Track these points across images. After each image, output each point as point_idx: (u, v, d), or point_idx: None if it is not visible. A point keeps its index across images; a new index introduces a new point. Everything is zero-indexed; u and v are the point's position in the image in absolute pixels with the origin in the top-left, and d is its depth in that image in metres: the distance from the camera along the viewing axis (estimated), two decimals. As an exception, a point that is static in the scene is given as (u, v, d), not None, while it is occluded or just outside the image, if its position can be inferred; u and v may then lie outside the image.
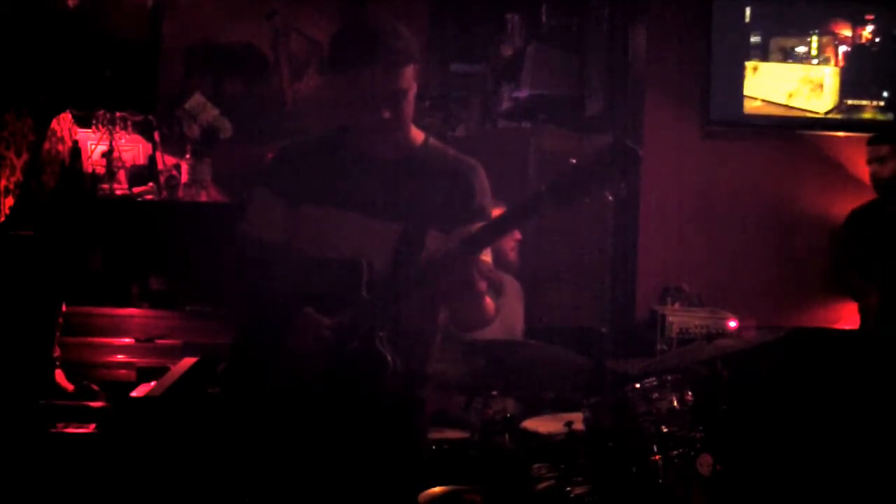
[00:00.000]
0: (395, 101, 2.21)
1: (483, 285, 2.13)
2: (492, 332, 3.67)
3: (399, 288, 2.15)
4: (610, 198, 2.01)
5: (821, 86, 4.80)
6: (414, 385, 2.33)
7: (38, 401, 3.69)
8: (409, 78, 2.23)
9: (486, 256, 2.30)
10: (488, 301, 2.28)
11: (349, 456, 2.24)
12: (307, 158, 2.35)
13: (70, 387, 3.88)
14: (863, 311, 4.55)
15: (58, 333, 3.98)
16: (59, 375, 3.90)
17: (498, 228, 2.19)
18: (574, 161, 2.00)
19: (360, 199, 2.28)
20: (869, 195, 4.77)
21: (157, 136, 4.75)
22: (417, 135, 2.38)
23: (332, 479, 2.24)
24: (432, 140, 2.40)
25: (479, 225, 2.21)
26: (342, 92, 2.22)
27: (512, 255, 3.90)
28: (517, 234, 3.97)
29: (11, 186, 3.89)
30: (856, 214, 4.61)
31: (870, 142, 4.56)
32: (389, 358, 2.11)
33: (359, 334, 2.12)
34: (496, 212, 3.77)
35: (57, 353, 3.97)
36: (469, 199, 2.33)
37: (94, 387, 3.87)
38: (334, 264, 2.20)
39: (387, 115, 2.21)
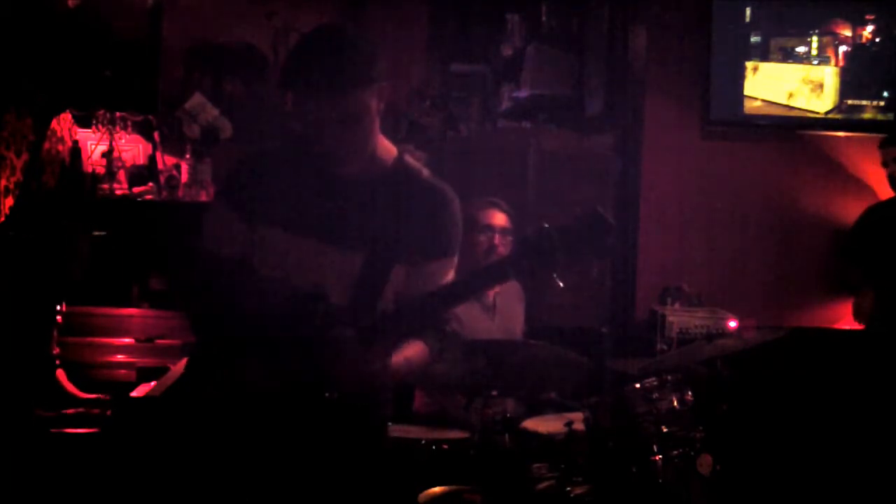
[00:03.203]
0: (344, 125, 2.07)
1: (376, 365, 2.04)
2: (492, 333, 3.69)
3: (356, 330, 2.03)
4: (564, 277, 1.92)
5: (821, 86, 4.80)
6: (366, 434, 2.24)
7: (38, 400, 3.69)
8: (365, 101, 2.07)
9: None
10: (413, 353, 2.17)
11: (325, 467, 2.17)
12: (266, 172, 2.19)
13: (77, 392, 3.87)
14: (857, 307, 4.53)
15: (56, 333, 3.98)
16: (62, 376, 3.89)
17: (461, 292, 2.11)
18: (546, 226, 1.89)
19: (322, 222, 2.13)
20: (869, 195, 4.77)
21: (157, 136, 4.75)
22: (389, 152, 2.21)
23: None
24: (407, 158, 2.23)
25: (443, 281, 2.12)
26: (294, 110, 2.13)
27: (501, 250, 3.88)
28: (508, 238, 3.91)
29: (11, 186, 3.90)
30: (873, 211, 4.56)
31: (882, 144, 4.48)
32: (336, 396, 2.03)
33: (305, 374, 2.04)
34: (499, 216, 3.76)
35: (56, 351, 3.97)
36: (439, 232, 2.19)
37: (106, 397, 3.86)
38: (289, 294, 2.07)
39: (337, 138, 2.08)
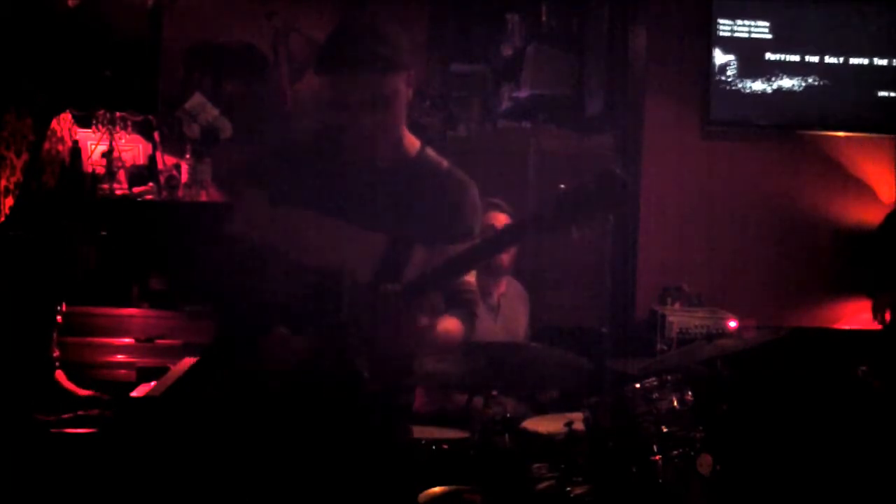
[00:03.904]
0: (376, 108, 2.16)
1: (432, 321, 2.08)
2: (494, 335, 3.69)
3: (379, 305, 2.08)
4: (589, 230, 1.96)
5: (822, 85, 4.80)
6: (391, 405, 2.28)
7: (38, 403, 3.68)
8: (396, 85, 2.18)
9: (470, 276, 2.28)
10: (452, 325, 2.22)
11: (326, 466, 2.20)
12: (296, 159, 2.29)
13: (77, 389, 3.86)
14: (877, 310, 4.50)
15: (56, 333, 3.97)
16: (61, 376, 3.88)
17: (478, 254, 2.16)
18: (563, 186, 1.96)
19: (347, 205, 2.22)
20: (869, 195, 4.77)
21: (157, 136, 4.75)
22: (412, 143, 2.32)
23: (316, 483, 2.21)
24: (429, 150, 2.33)
25: (461, 247, 2.17)
26: (329, 94, 2.19)
27: (506, 262, 3.89)
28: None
29: (11, 186, 3.90)
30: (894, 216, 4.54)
31: None
32: (365, 375, 2.07)
33: (335, 351, 2.08)
34: (500, 218, 3.77)
35: (56, 353, 3.96)
36: (458, 218, 2.27)
37: (105, 396, 3.84)
38: (316, 273, 2.14)
39: (369, 121, 2.17)
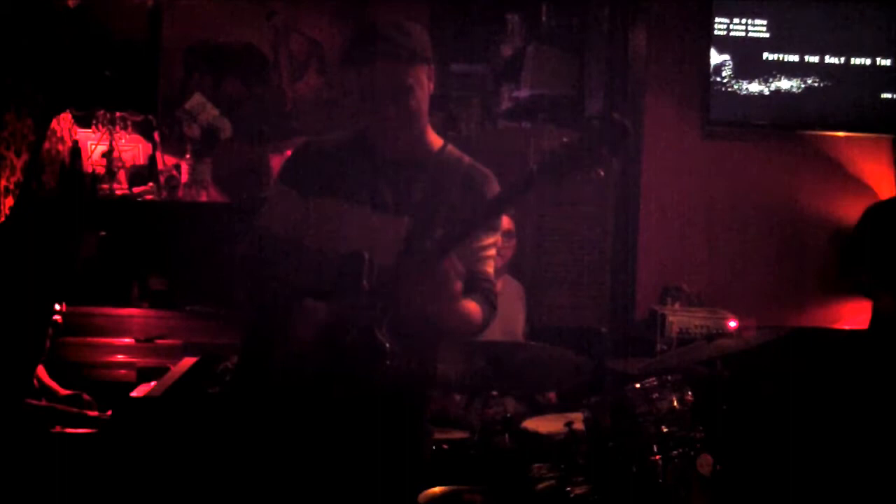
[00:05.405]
0: (396, 98, 2.22)
1: (458, 286, 2.11)
2: (492, 334, 3.69)
3: (399, 283, 2.13)
4: (602, 173, 2.00)
5: (822, 85, 4.80)
6: (415, 378, 2.32)
7: (25, 398, 3.66)
8: (416, 77, 2.24)
9: (489, 267, 2.33)
10: (473, 307, 2.25)
11: (350, 452, 2.24)
12: (324, 155, 2.37)
13: (59, 389, 3.84)
14: (876, 311, 4.48)
15: (51, 332, 3.96)
16: (42, 372, 3.84)
17: (492, 208, 2.21)
18: (566, 139, 2.01)
19: (371, 194, 2.29)
20: (869, 195, 4.76)
21: (157, 136, 4.75)
22: (435, 141, 2.40)
23: (334, 477, 2.24)
24: (450, 147, 2.41)
25: (486, 253, 2.23)
26: (351, 88, 2.27)
27: (506, 253, 3.89)
28: (513, 241, 3.94)
29: (11, 186, 3.90)
30: (874, 211, 4.51)
31: None
32: (388, 346, 2.10)
33: (358, 325, 2.12)
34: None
35: (47, 346, 3.94)
36: (478, 208, 2.30)
37: (86, 396, 3.82)
38: (338, 256, 2.20)
39: (390, 111, 2.23)
